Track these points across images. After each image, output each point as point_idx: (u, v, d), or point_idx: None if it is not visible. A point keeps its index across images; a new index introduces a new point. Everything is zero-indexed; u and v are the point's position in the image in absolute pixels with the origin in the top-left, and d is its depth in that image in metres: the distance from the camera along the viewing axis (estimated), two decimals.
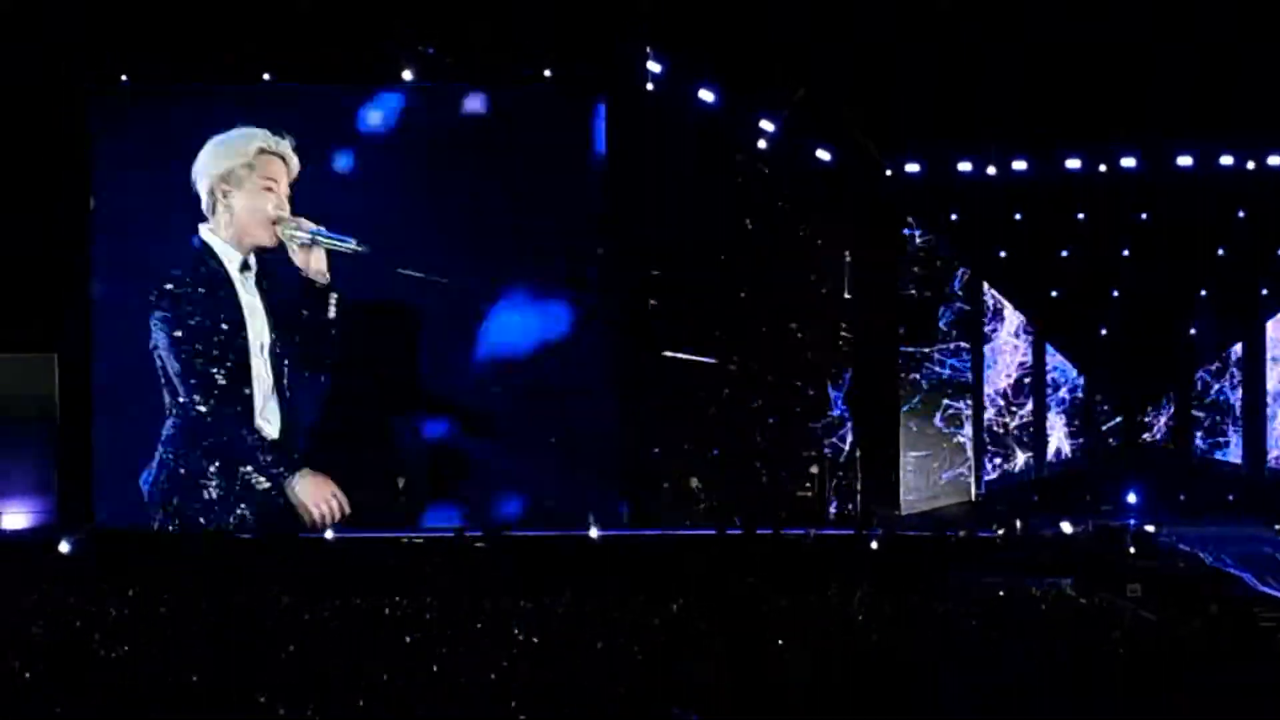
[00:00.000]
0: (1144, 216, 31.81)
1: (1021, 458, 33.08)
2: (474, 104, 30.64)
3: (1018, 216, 31.83)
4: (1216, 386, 33.58)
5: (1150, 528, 29.17)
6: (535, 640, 20.54)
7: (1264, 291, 32.72)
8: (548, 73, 30.20)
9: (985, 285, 32.63)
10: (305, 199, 29.85)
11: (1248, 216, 31.56)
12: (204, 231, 29.85)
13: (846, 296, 31.25)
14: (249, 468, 29.78)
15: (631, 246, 30.78)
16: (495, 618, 22.19)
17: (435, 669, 18.66)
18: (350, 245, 29.37)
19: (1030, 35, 29.18)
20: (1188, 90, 29.48)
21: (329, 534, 29.03)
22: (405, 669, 18.76)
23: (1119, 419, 33.62)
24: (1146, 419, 33.79)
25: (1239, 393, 33.39)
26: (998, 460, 32.76)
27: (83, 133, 30.17)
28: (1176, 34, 28.88)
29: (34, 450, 30.17)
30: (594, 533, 29.04)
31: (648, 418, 30.91)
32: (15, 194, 29.59)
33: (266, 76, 30.17)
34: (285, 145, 29.82)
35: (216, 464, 29.83)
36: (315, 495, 29.91)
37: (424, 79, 30.34)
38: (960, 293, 32.35)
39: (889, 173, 31.30)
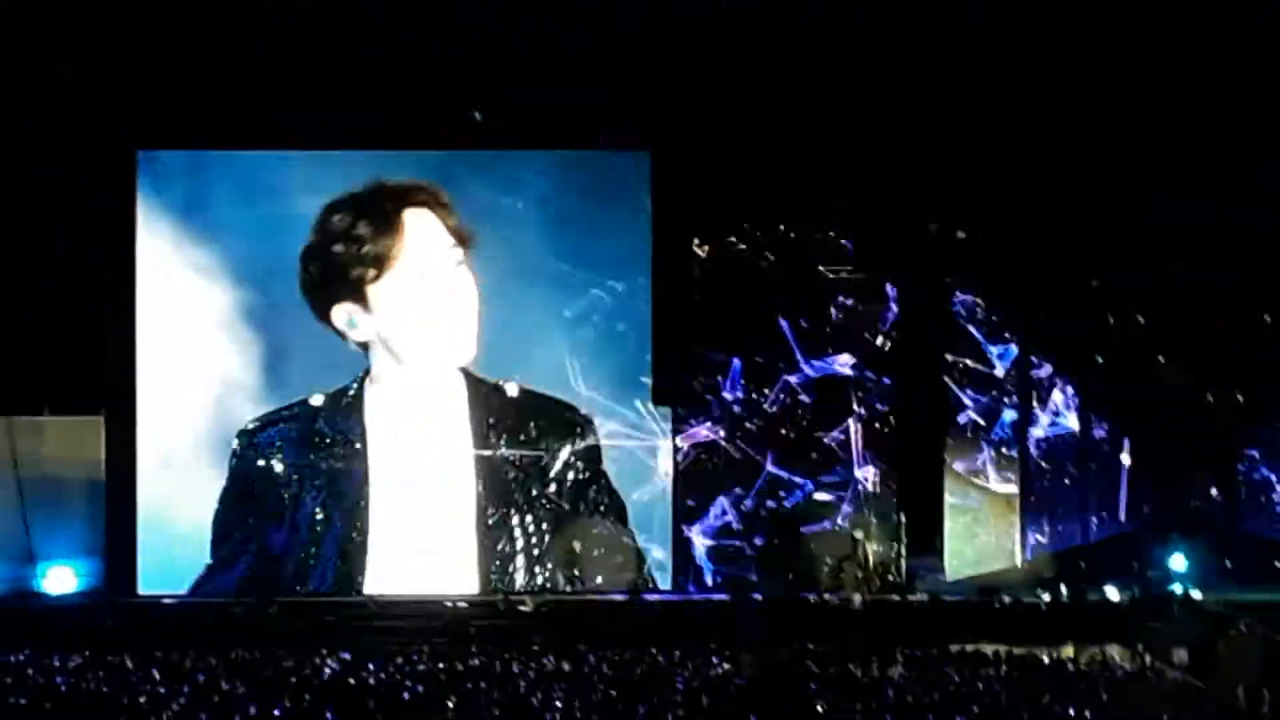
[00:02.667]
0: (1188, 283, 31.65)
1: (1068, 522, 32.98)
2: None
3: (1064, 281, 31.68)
4: (1262, 456, 33.47)
5: (1197, 594, 29.00)
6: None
7: None
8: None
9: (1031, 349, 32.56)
10: None
11: None
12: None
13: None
14: None
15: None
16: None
17: None
18: None
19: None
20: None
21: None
22: None
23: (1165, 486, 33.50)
24: (1192, 486, 33.65)
25: None
26: (1044, 525, 32.62)
27: (130, 193, 30.31)
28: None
29: (81, 514, 30.25)
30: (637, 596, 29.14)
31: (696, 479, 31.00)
32: (61, 255, 29.82)
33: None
34: None
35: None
36: None
37: (468, 143, 30.43)
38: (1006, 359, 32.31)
39: (933, 227, 31.26)
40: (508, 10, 29.47)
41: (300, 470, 29.94)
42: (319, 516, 29.89)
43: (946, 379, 31.77)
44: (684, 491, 30.95)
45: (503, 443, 30.12)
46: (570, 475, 30.17)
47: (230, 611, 28.30)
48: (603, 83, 29.43)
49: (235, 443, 29.94)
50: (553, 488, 30.15)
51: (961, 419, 31.85)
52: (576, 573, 30.14)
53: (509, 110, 30.10)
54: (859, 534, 30.86)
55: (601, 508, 30.27)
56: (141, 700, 20.46)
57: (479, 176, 30.31)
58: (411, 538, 30.07)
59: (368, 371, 29.91)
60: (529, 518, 30.13)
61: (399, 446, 30.11)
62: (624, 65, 29.37)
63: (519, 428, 30.18)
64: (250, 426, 29.98)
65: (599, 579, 30.18)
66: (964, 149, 29.85)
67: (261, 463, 29.93)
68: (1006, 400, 32.22)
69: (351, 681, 22.42)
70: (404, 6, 29.41)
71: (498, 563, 30.09)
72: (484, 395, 30.10)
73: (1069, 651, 25.24)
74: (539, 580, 30.08)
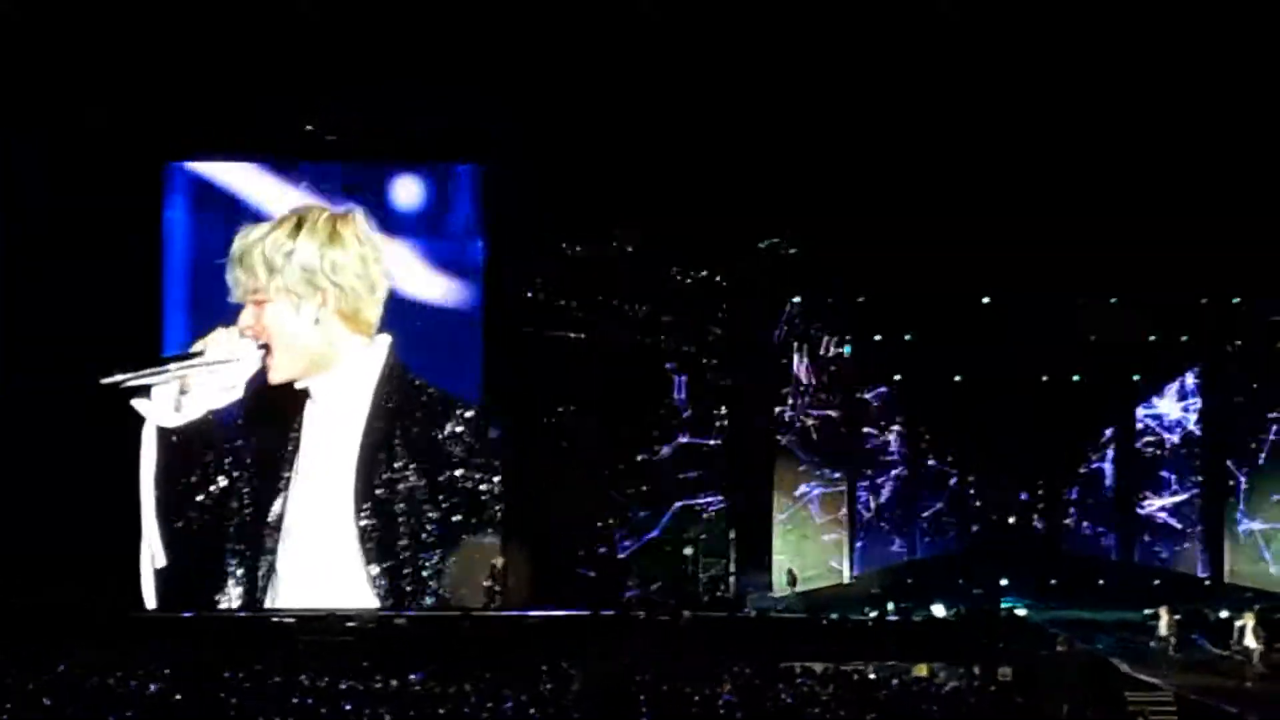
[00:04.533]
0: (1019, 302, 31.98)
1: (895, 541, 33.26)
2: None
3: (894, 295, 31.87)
4: (1089, 472, 33.94)
5: (1021, 611, 29.32)
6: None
7: (1135, 378, 33.07)
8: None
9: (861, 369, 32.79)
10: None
11: (1120, 305, 31.77)
12: None
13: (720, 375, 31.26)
14: None
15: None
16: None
17: None
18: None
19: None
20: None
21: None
22: None
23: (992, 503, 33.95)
24: (1018, 504, 34.10)
25: (1110, 482, 33.78)
26: (872, 543, 32.86)
27: None
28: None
29: None
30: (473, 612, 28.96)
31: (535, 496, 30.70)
32: None
33: None
34: None
35: None
36: None
37: (304, 156, 30.24)
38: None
39: (762, 245, 31.24)
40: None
41: None
42: None
43: (781, 397, 31.90)
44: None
45: None
46: None
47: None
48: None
49: None
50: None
51: (794, 437, 32.00)
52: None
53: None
54: (689, 550, 30.87)
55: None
56: None
57: None
58: None
59: None
60: None
61: None
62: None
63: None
64: None
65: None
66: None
67: None
68: (836, 416, 32.45)
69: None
70: None
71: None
72: None
73: (896, 668, 25.42)
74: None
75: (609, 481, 30.77)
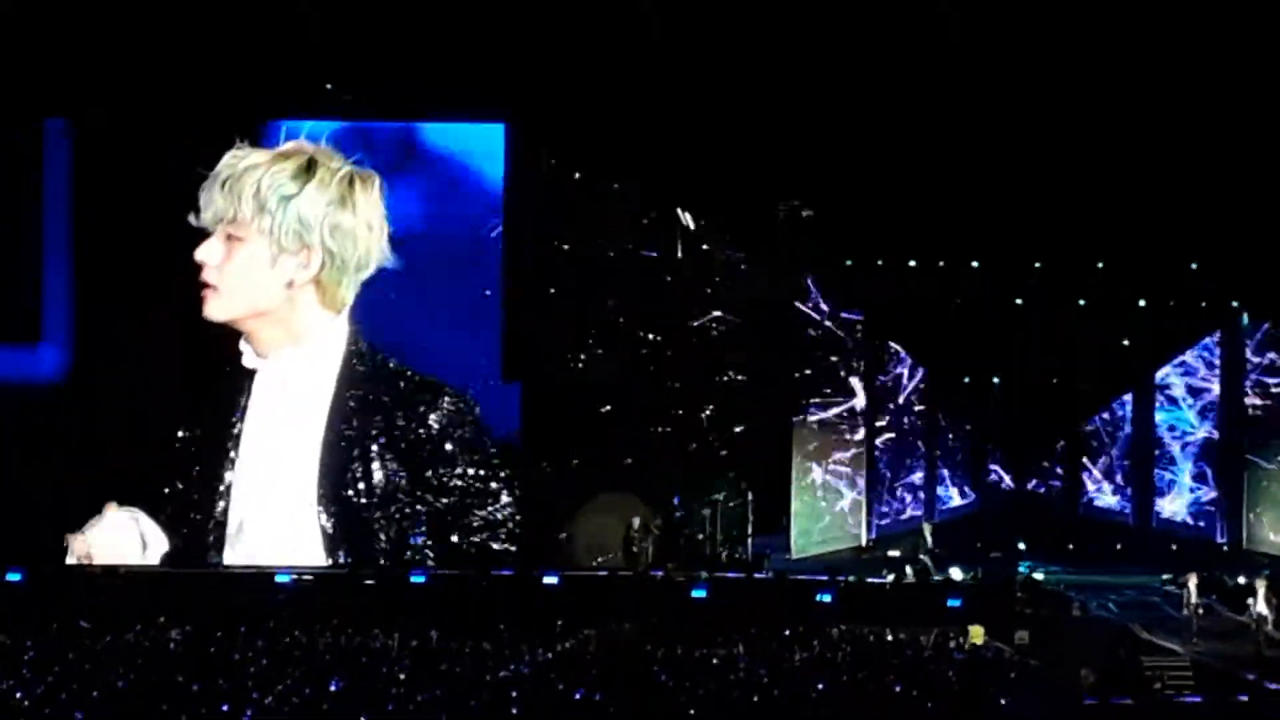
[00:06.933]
0: (1036, 266, 31.93)
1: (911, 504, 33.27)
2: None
3: (912, 263, 31.84)
4: (1105, 436, 33.91)
5: (1038, 575, 29.30)
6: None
7: (1154, 343, 33.06)
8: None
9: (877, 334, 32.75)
10: None
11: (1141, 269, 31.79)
12: None
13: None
14: None
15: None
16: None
17: None
18: None
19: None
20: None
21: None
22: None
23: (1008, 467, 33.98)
24: (1036, 468, 34.12)
25: (1127, 445, 33.75)
26: (888, 506, 32.88)
27: None
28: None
29: None
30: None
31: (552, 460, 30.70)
32: None
33: None
34: None
35: None
36: None
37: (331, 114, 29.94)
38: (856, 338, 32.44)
39: (782, 210, 31.23)
40: None
41: None
42: None
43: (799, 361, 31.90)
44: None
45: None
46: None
47: None
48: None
49: None
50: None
51: (812, 397, 31.97)
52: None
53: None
54: (707, 512, 30.89)
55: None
56: None
57: None
58: None
59: None
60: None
61: None
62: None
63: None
64: None
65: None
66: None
67: None
68: (856, 380, 32.44)
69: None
70: None
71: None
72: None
73: (913, 631, 25.41)
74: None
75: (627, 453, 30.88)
